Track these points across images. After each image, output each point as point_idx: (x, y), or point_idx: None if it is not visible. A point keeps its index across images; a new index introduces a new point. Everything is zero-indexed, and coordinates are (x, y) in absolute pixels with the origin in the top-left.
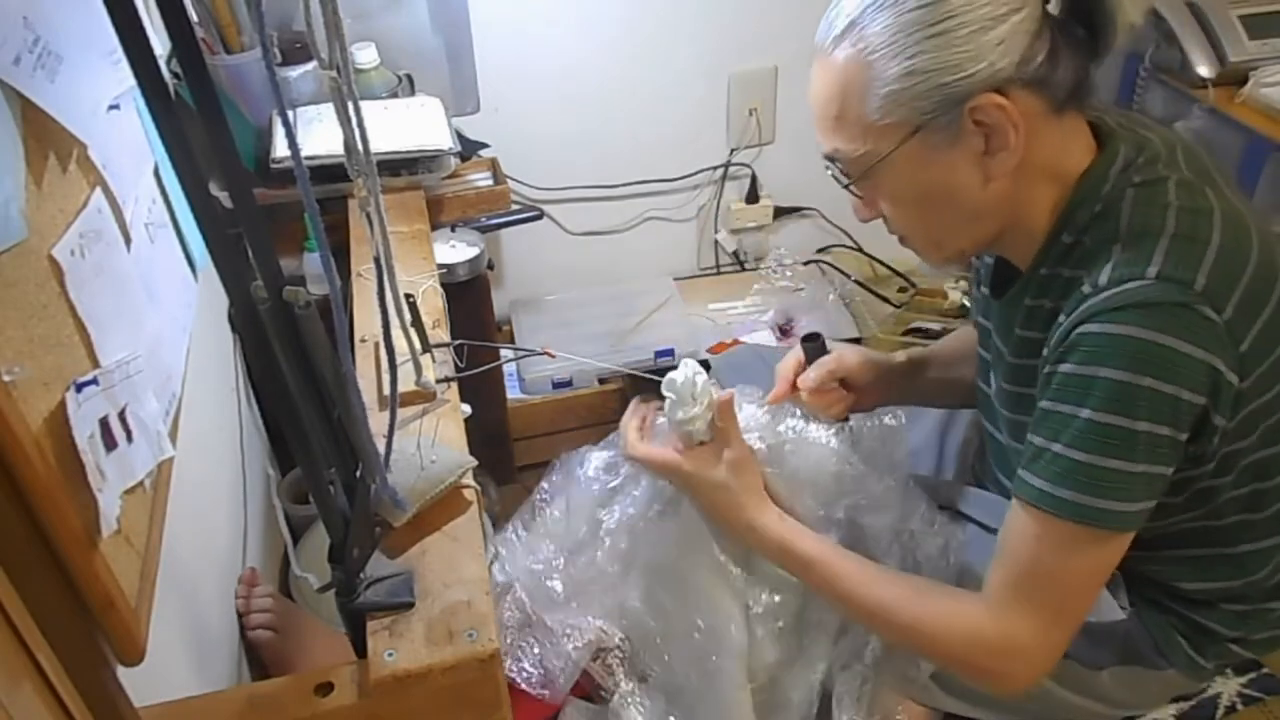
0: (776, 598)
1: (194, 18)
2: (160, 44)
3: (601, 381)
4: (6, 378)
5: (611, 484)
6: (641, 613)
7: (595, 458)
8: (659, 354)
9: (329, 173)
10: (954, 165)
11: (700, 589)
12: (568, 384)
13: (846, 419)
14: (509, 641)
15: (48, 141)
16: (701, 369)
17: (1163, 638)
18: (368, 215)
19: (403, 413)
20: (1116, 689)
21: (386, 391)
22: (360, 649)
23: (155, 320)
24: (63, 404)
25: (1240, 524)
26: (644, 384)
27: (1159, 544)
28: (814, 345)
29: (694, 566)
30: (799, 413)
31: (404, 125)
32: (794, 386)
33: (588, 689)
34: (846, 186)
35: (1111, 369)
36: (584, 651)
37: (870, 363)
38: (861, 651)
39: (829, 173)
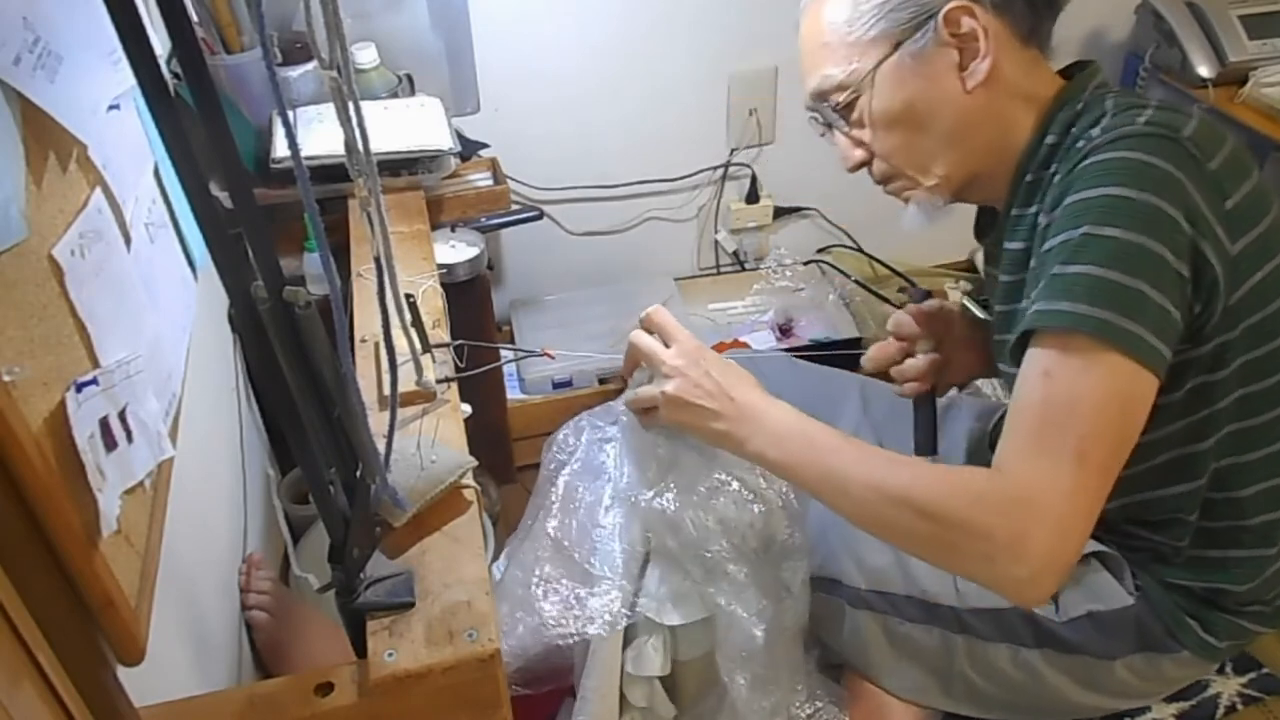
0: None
1: (194, 18)
2: (160, 44)
3: (601, 381)
4: (6, 378)
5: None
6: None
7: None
8: None
9: (329, 173)
10: (934, 77)
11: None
12: (568, 384)
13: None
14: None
15: (48, 141)
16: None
17: (1172, 619)
18: (368, 215)
19: (403, 413)
20: (1129, 678)
21: (386, 391)
22: (360, 649)
23: (155, 320)
24: (63, 404)
25: (1230, 436)
26: None
27: (1148, 477)
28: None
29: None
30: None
31: (404, 125)
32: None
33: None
34: (835, 117)
35: (1103, 189)
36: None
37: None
38: None
39: (815, 120)
